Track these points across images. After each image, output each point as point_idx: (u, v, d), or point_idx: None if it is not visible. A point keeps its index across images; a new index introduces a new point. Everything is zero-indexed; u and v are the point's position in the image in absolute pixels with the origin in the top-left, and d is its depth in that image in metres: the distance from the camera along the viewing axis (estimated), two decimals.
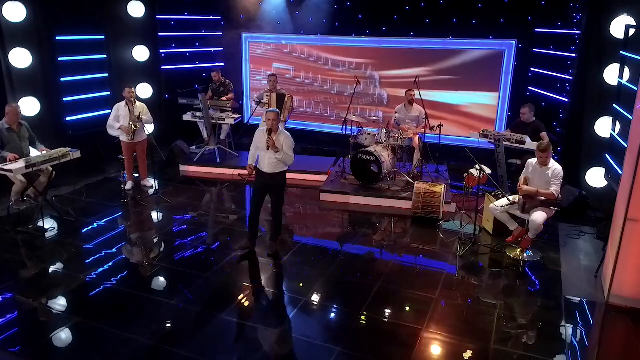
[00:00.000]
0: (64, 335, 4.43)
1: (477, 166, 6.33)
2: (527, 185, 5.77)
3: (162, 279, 5.47)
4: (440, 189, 6.96)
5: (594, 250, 6.28)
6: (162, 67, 9.99)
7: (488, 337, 4.52)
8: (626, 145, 5.87)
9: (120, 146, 8.34)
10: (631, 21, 6.41)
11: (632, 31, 6.24)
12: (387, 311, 4.89)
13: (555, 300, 5.17)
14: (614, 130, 6.49)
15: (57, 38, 8.02)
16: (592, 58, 7.21)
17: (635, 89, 5.80)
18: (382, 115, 9.99)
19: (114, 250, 6.05)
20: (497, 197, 6.42)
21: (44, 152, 6.56)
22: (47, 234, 6.37)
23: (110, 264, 5.74)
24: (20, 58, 7.42)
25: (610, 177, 6.65)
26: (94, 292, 5.14)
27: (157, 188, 7.95)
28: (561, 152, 7.79)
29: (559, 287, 5.40)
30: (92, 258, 5.85)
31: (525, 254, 5.97)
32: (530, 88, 9.09)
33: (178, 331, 4.54)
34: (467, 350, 4.34)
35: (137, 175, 8.20)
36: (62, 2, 8.04)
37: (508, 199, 5.83)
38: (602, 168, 7.01)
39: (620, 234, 4.88)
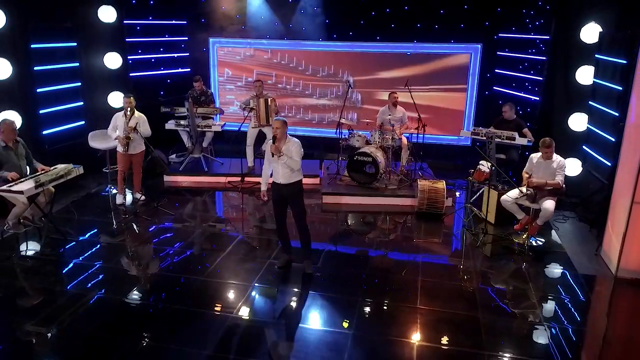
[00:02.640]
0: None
1: (482, 162, 6.89)
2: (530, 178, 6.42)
3: (211, 292, 5.36)
4: (442, 185, 7.42)
5: (582, 232, 7.07)
6: (130, 74, 9.55)
7: (537, 314, 5.03)
8: (610, 138, 6.71)
9: (102, 159, 7.99)
10: (599, 28, 7.28)
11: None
12: (441, 303, 5.21)
13: (575, 278, 5.82)
14: (591, 124, 7.34)
15: (32, 46, 7.43)
16: (560, 60, 8.07)
17: (612, 86, 6.67)
18: (356, 117, 10.33)
19: (144, 268, 5.82)
20: (497, 190, 7.02)
21: (50, 170, 6.12)
22: (57, 257, 5.96)
23: (148, 282, 5.55)
24: (1, 68, 6.80)
25: (587, 165, 7.52)
26: (147, 313, 4.96)
27: (156, 200, 7.66)
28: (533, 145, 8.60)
29: (571, 266, 6.07)
30: (126, 278, 5.62)
31: (530, 240, 6.59)
32: (494, 88, 9.90)
33: (253, 344, 4.54)
34: (525, 328, 4.81)
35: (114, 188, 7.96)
36: (34, 7, 7.44)
37: (521, 191, 6.40)
38: (575, 159, 7.86)
39: (628, 216, 5.60)
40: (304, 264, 5.77)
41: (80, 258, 5.99)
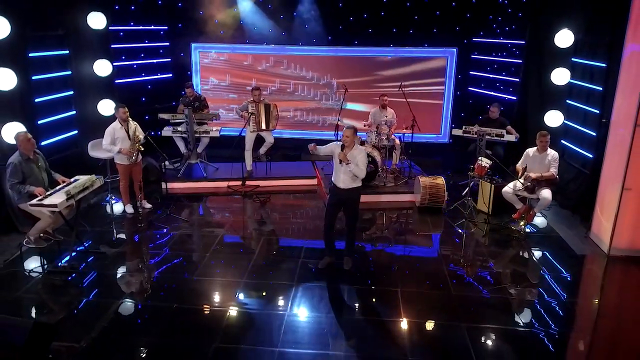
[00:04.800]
0: None
1: (481, 158, 7.50)
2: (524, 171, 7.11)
3: (260, 293, 5.55)
4: (442, 181, 7.96)
5: (567, 217, 7.83)
6: (116, 81, 9.36)
7: (556, 290, 5.66)
8: (591, 133, 7.52)
9: (102, 169, 7.89)
10: (571, 34, 8.09)
11: (572, 41, 7.98)
12: (471, 288, 5.73)
13: (574, 258, 6.54)
14: (569, 120, 8.16)
15: (30, 55, 7.18)
16: (535, 63, 8.87)
17: (591, 87, 7.48)
18: (340, 118, 10.69)
19: (184, 274, 5.90)
20: (492, 183, 7.65)
21: (70, 181, 6.01)
22: (87, 271, 5.90)
23: (197, 288, 5.63)
24: (5, 79, 6.53)
25: (566, 157, 8.33)
26: (215, 317, 5.10)
27: (166, 208, 7.68)
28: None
29: (568, 248, 6.79)
30: (173, 286, 5.68)
31: (526, 227, 7.27)
32: (469, 88, 10.64)
33: (314, 338, 4.81)
34: (551, 303, 5.42)
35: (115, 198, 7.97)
36: (30, 14, 7.18)
37: (521, 182, 7.04)
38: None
39: (619, 201, 6.36)
40: (343, 260, 6.06)
41: (115, 270, 6.00)
